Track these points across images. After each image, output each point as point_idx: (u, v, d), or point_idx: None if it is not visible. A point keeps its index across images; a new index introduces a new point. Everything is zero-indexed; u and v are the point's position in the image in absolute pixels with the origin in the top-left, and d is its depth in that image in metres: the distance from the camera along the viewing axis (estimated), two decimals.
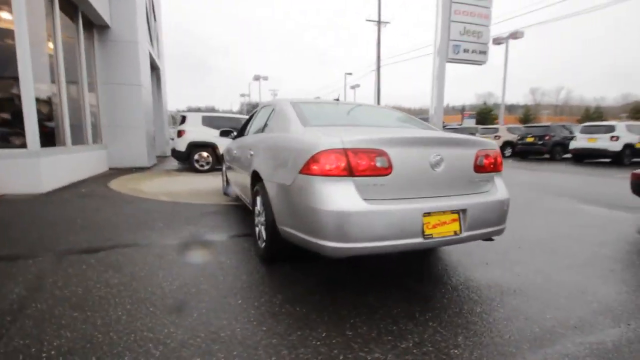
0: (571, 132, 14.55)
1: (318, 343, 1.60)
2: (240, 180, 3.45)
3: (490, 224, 2.13)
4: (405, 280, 2.31)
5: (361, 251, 1.77)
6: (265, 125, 2.97)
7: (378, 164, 1.82)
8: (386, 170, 1.84)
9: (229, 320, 1.77)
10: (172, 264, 2.50)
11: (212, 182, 6.78)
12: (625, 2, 19.64)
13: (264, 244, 2.53)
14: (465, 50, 15.81)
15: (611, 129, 11.73)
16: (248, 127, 3.80)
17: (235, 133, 4.60)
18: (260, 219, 2.61)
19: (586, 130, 12.59)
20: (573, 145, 12.71)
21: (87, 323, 1.72)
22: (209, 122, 8.36)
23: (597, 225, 3.79)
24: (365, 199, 1.77)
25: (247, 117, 9.26)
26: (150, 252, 2.74)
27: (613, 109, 65.70)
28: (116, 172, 7.90)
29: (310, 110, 2.68)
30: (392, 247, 1.81)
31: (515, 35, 20.04)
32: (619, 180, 7.89)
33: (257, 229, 2.74)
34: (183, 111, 9.14)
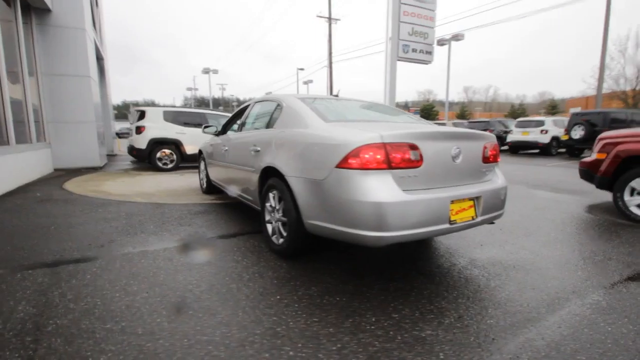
0: (506, 127, 16.28)
1: (372, 327, 1.69)
2: (238, 177, 3.37)
3: (496, 208, 2.39)
4: (421, 264, 2.49)
5: (400, 239, 1.89)
6: (272, 121, 2.94)
7: (412, 157, 1.95)
8: (418, 163, 1.98)
9: (278, 316, 1.78)
10: (188, 267, 2.40)
11: (182, 180, 6.43)
12: (541, 13, 22.38)
13: (281, 239, 2.54)
14: (414, 50, 16.81)
15: (541, 123, 13.37)
16: (240, 123, 3.70)
17: (217, 129, 4.44)
18: (276, 215, 2.60)
19: (520, 125, 14.18)
20: (510, 138, 14.24)
21: (127, 333, 1.61)
22: (171, 117, 7.86)
23: (554, 207, 4.38)
24: (402, 190, 1.89)
25: (212, 111, 8.92)
26: (158, 256, 2.58)
27: (532, 105, 74.34)
28: (65, 173, 7.07)
29: (322, 106, 2.72)
30: (425, 233, 1.97)
31: (457, 37, 21.72)
32: (552, 168, 9.09)
33: (270, 225, 2.73)
34: (137, 105, 8.39)
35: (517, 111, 62.89)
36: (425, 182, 2.03)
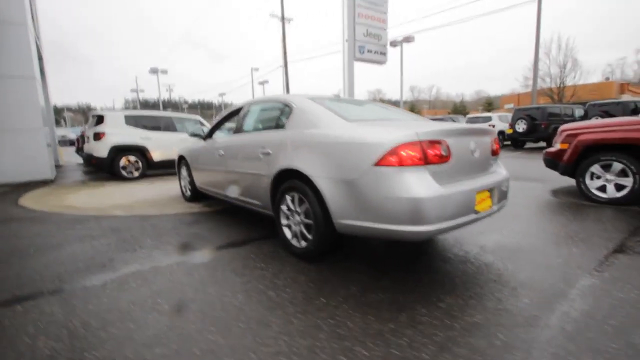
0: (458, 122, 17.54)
1: (427, 318, 1.76)
2: (241, 181, 3.25)
3: (504, 197, 2.60)
4: (439, 254, 2.62)
5: (437, 232, 1.98)
6: (280, 122, 2.89)
7: (443, 153, 2.05)
8: (448, 158, 2.09)
9: (333, 318, 1.77)
10: (214, 278, 2.27)
11: (156, 189, 6.00)
12: (478, 18, 24.53)
13: (304, 242, 2.52)
14: (369, 51, 17.42)
15: (488, 119, 14.62)
16: (236, 126, 3.56)
17: (204, 133, 4.22)
18: (296, 218, 2.57)
19: (470, 121, 15.37)
20: None
21: (184, 356, 1.50)
22: (134, 121, 7.27)
23: (522, 193, 4.82)
24: (438, 184, 1.98)
25: (179, 115, 8.41)
26: (174, 270, 2.41)
27: (470, 102, 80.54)
28: (11, 189, 6.20)
29: (335, 106, 2.73)
30: (456, 225, 2.08)
31: (408, 39, 22.86)
32: (504, 160, 9.97)
33: (287, 229, 2.68)
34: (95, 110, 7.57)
35: (459, 108, 68.13)
36: (453, 175, 2.15)
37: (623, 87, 32.48)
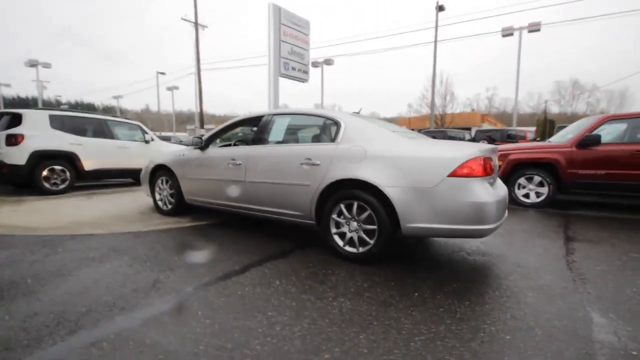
0: None
1: (488, 309, 2.19)
2: (272, 192, 3.21)
3: (506, 207, 3.30)
4: (454, 258, 3.14)
5: (493, 230, 2.47)
6: (325, 136, 3.05)
7: (493, 167, 2.58)
8: (493, 171, 2.62)
9: (426, 324, 2.00)
10: (283, 292, 2.28)
11: (103, 204, 5.13)
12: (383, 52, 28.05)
13: (361, 247, 2.72)
14: (293, 69, 18.33)
15: None
16: (255, 138, 3.51)
17: (201, 142, 3.94)
18: (353, 225, 2.75)
19: None
20: None
21: None
22: (60, 123, 6.02)
23: None
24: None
25: (115, 118, 7.26)
26: (225, 292, 2.30)
27: None
28: None
29: (375, 123, 3.05)
30: (499, 225, 2.60)
31: (328, 61, 24.57)
32: None
33: (339, 237, 2.83)
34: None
35: None
36: (492, 185, 2.69)
37: (483, 117, 41.15)
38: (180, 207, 4.23)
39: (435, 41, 20.14)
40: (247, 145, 3.71)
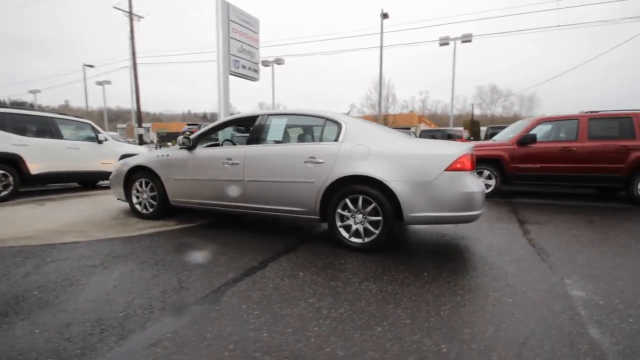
0: None
1: (500, 284, 2.62)
2: (277, 190, 3.29)
3: None
4: (445, 247, 3.58)
5: (480, 215, 2.90)
6: (328, 135, 3.24)
7: (475, 162, 3.01)
8: (475, 165, 3.06)
9: (432, 293, 2.37)
10: (312, 282, 2.45)
11: (62, 210, 4.65)
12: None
13: (367, 238, 2.97)
14: (244, 67, 18.17)
15: None
16: (252, 137, 3.55)
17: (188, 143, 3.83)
18: (358, 218, 2.99)
19: None
20: None
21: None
22: (0, 121, 5.26)
23: None
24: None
25: (63, 116, 6.47)
26: (257, 286, 2.40)
27: None
28: None
29: (372, 124, 3.33)
30: (483, 210, 3.05)
31: (279, 61, 24.49)
32: None
33: (345, 229, 3.05)
34: None
35: None
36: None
37: (420, 118, 44.57)
38: (163, 210, 4.07)
39: (381, 46, 21.36)
40: (234, 145, 3.74)
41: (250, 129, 3.75)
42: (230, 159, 3.53)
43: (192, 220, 4.09)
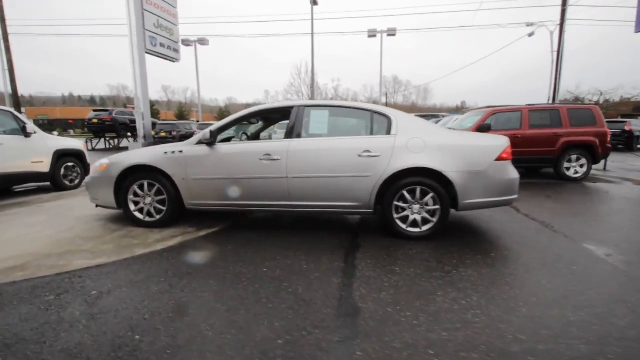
0: (192, 128, 18.74)
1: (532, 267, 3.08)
2: (328, 185, 3.16)
3: None
4: (472, 224, 3.98)
5: (517, 198, 3.30)
6: (380, 129, 3.22)
7: None
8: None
9: (506, 268, 2.71)
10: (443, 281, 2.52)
11: (20, 228, 3.60)
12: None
13: (425, 226, 3.14)
14: (162, 45, 16.50)
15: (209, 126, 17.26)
16: (289, 131, 3.30)
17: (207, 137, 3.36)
18: (415, 208, 3.12)
19: (201, 127, 17.32)
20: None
21: None
22: None
23: None
24: None
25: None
26: (377, 287, 2.37)
27: (223, 108, 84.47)
28: None
29: (419, 119, 3.46)
30: None
31: (202, 41, 22.38)
32: None
33: (401, 221, 3.15)
34: None
35: (225, 112, 72.70)
36: None
37: None
38: (175, 215, 3.52)
39: (312, 33, 21.38)
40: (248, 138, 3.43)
41: (281, 121, 3.48)
42: (269, 155, 3.24)
43: (208, 225, 3.63)
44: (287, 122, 3.53)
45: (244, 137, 4.16)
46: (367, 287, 2.20)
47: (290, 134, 3.34)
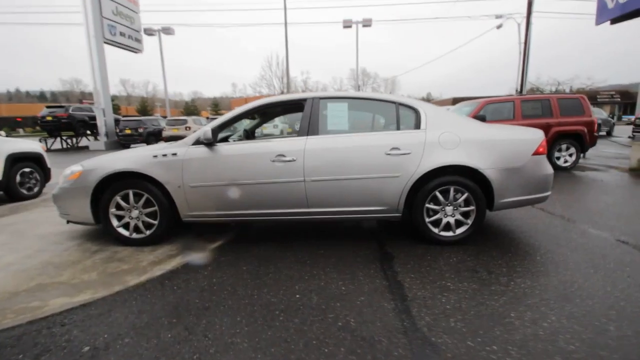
0: (159, 124, 17.49)
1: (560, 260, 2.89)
2: (352, 188, 2.78)
3: None
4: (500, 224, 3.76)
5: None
6: (407, 123, 2.87)
7: None
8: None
9: (546, 266, 2.50)
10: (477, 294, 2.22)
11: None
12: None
13: (460, 229, 2.85)
14: (122, 34, 15.35)
15: (185, 122, 16.51)
16: (304, 127, 2.86)
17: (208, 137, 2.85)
18: (448, 210, 2.82)
19: (170, 123, 16.57)
20: (164, 134, 15.89)
21: None
22: None
23: None
24: None
25: None
26: (430, 300, 2.04)
27: (189, 102, 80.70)
28: None
29: (448, 111, 3.13)
30: None
31: (167, 30, 20.86)
32: None
33: (433, 225, 2.86)
34: None
35: (190, 107, 69.40)
36: None
37: None
38: (168, 229, 2.99)
39: (285, 23, 20.65)
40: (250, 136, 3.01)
41: (279, 115, 3.03)
42: (282, 155, 2.79)
43: (208, 239, 3.12)
44: (284, 116, 3.10)
45: (238, 134, 3.66)
46: (429, 313, 1.85)
47: (305, 130, 2.90)
